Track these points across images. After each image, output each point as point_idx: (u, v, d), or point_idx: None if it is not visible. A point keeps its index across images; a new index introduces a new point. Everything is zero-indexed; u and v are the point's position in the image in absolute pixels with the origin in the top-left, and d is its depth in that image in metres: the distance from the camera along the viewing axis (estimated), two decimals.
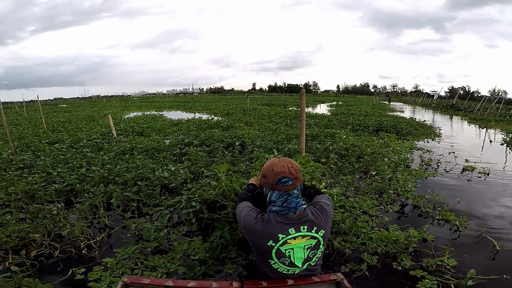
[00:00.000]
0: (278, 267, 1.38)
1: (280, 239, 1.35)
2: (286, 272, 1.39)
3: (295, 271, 1.40)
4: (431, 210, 2.93)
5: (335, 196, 2.53)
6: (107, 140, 6.23)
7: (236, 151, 4.76)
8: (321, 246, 1.42)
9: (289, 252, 1.36)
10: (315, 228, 1.38)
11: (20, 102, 29.89)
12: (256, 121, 9.52)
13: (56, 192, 3.18)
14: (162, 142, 5.81)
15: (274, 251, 1.36)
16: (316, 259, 1.43)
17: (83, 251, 2.18)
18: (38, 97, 11.21)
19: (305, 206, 1.42)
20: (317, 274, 1.45)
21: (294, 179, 1.40)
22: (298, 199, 1.42)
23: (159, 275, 1.88)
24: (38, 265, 2.02)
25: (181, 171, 3.66)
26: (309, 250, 1.39)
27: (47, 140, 6.29)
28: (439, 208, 2.94)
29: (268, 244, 1.35)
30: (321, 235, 1.40)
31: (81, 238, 2.31)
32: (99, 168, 3.77)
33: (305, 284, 1.39)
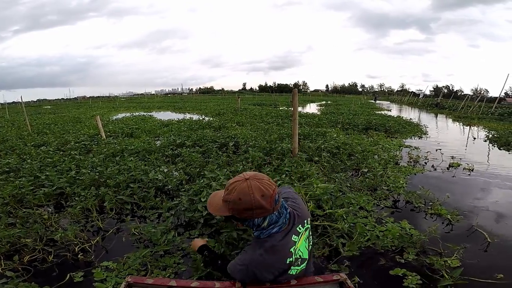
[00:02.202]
0: (294, 272, 1.36)
1: (293, 252, 1.32)
2: (298, 272, 1.38)
3: (305, 264, 1.40)
4: (423, 205, 3.02)
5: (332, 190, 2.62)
6: (96, 142, 6.09)
7: (230, 151, 4.76)
8: (310, 232, 1.46)
9: (299, 253, 1.36)
10: (304, 221, 1.39)
11: (1, 103, 28.84)
12: (248, 121, 9.51)
13: (45, 196, 3.10)
14: (153, 143, 5.73)
15: (292, 264, 1.33)
16: (311, 242, 1.47)
17: (78, 255, 2.13)
18: (21, 99, 10.78)
19: (288, 210, 1.36)
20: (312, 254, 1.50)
21: (279, 193, 1.29)
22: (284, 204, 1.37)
23: (168, 274, 1.88)
24: (32, 270, 1.96)
25: (176, 173, 3.63)
26: (307, 240, 1.42)
27: (32, 143, 6.09)
28: (430, 203, 3.03)
29: (287, 262, 1.31)
30: (309, 222, 1.44)
31: (75, 242, 2.25)
32: (89, 171, 3.68)
33: (308, 284, 1.40)
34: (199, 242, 1.72)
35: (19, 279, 1.79)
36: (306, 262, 1.40)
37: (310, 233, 1.46)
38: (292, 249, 1.31)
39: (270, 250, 1.27)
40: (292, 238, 1.31)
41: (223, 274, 1.54)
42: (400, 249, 2.22)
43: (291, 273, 1.35)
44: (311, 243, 1.46)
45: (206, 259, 1.63)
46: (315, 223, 2.47)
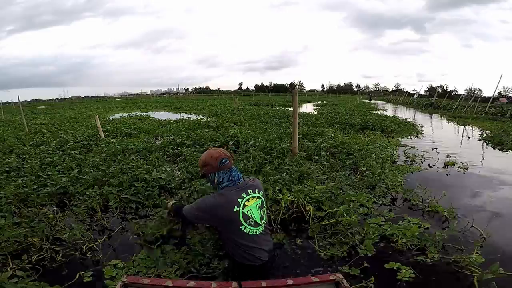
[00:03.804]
0: (248, 230, 1.71)
1: (240, 203, 1.70)
2: (254, 234, 1.72)
3: (260, 230, 1.75)
4: (420, 203, 3.10)
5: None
6: (95, 142, 6.10)
7: (230, 151, 4.79)
8: (264, 205, 1.85)
9: (250, 213, 1.73)
10: (256, 189, 1.80)
11: None
12: (246, 121, 9.56)
13: (49, 195, 3.11)
14: (153, 143, 5.76)
15: (240, 215, 1.69)
16: (266, 218, 1.86)
17: (87, 254, 2.16)
18: (18, 98, 10.72)
19: (243, 177, 1.87)
20: (268, 231, 1.89)
21: (229, 158, 1.81)
22: (238, 173, 1.83)
23: (174, 270, 1.92)
24: (41, 270, 1.98)
25: (178, 172, 3.66)
26: (259, 208, 1.78)
27: (30, 143, 6.07)
28: (427, 201, 3.11)
29: (234, 210, 1.68)
30: (261, 194, 1.83)
31: (83, 241, 2.28)
32: (91, 170, 3.70)
33: (305, 284, 1.44)
34: (172, 201, 2.29)
35: (29, 279, 1.80)
36: (260, 228, 1.75)
37: (264, 208, 1.84)
38: (239, 201, 1.70)
39: (221, 194, 1.74)
40: (242, 194, 1.73)
41: (182, 218, 1.98)
42: (419, 248, 2.23)
43: (245, 230, 1.69)
44: (265, 216, 1.83)
45: (176, 209, 2.04)
46: (321, 223, 2.52)
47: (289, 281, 1.43)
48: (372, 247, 2.20)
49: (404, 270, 1.94)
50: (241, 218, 1.69)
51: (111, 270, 1.90)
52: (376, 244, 2.28)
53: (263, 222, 1.79)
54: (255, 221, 1.73)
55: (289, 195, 2.72)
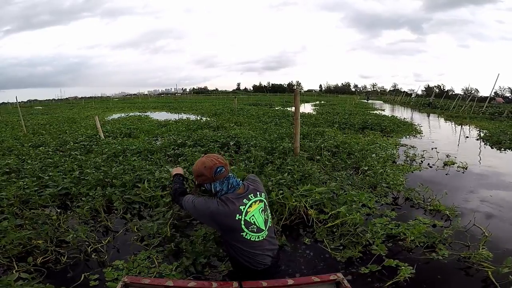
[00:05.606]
0: (250, 237, 1.62)
1: (242, 210, 1.61)
2: (257, 240, 1.64)
3: (263, 236, 1.66)
4: (422, 202, 3.12)
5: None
6: (95, 143, 6.06)
7: (232, 151, 4.81)
8: (267, 207, 1.76)
9: (253, 219, 1.64)
10: (257, 192, 1.71)
11: None
12: (246, 121, 9.55)
13: (51, 197, 3.10)
14: (154, 143, 5.74)
15: (242, 223, 1.60)
16: (270, 220, 1.76)
17: (92, 256, 2.15)
18: (16, 99, 10.67)
19: (242, 182, 1.76)
20: (274, 234, 1.80)
21: (224, 166, 1.69)
22: (236, 178, 1.72)
23: (174, 267, 1.94)
24: (46, 272, 1.97)
25: None
26: (263, 212, 1.69)
27: (30, 144, 6.03)
28: (429, 200, 3.13)
29: (236, 218, 1.60)
30: (264, 197, 1.74)
31: (87, 243, 2.27)
32: (93, 171, 3.68)
33: (305, 284, 1.44)
34: (177, 170, 2.18)
35: (34, 281, 1.80)
36: (264, 234, 1.67)
37: (268, 210, 1.75)
38: (241, 208, 1.61)
39: (223, 202, 1.62)
40: (243, 201, 1.64)
41: (177, 203, 1.91)
42: (428, 245, 2.25)
43: (246, 236, 1.61)
44: (269, 219, 1.74)
45: (174, 192, 1.95)
46: (327, 226, 2.51)
47: (290, 281, 1.42)
48: (383, 246, 2.20)
49: (403, 268, 1.95)
50: (243, 226, 1.61)
51: (111, 272, 1.89)
52: (385, 243, 2.29)
53: (268, 226, 1.70)
54: (258, 227, 1.64)
55: (293, 200, 2.71)
